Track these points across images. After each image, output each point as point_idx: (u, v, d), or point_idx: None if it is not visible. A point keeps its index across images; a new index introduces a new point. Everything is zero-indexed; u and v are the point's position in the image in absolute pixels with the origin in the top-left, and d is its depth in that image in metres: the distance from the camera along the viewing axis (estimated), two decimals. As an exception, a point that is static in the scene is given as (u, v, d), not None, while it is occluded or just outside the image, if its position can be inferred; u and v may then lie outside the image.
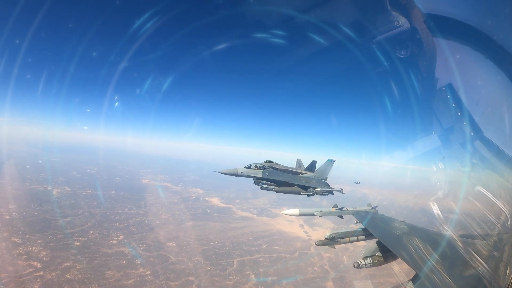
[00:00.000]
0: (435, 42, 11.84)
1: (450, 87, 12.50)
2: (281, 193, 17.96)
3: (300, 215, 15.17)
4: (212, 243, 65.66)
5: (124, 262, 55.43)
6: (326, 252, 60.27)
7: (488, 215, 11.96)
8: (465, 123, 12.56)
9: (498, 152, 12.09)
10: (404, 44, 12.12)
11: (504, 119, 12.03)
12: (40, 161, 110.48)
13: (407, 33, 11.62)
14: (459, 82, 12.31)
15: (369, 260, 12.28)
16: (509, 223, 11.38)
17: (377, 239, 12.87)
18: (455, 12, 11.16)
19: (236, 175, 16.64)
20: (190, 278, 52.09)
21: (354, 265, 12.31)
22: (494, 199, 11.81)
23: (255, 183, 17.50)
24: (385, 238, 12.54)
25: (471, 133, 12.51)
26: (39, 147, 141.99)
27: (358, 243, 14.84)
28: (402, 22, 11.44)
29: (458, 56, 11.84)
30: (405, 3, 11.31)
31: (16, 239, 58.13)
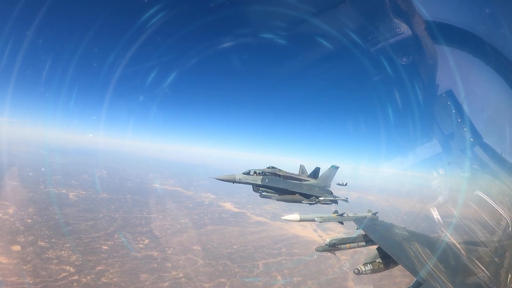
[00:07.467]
0: (436, 49, 11.82)
1: (451, 94, 12.54)
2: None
3: (301, 220, 14.45)
4: (235, 246, 67.45)
5: (155, 265, 56.04)
6: (343, 255, 63.84)
7: (489, 221, 12.12)
8: (465, 129, 12.52)
9: (499, 158, 12.10)
10: (405, 51, 12.04)
11: (504, 125, 12.09)
12: (42, 167, 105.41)
13: (409, 40, 11.48)
14: (460, 89, 12.27)
15: (369, 267, 11.98)
16: (510, 229, 11.52)
17: (377, 245, 12.60)
18: (455, 19, 11.24)
19: (234, 181, 15.43)
20: (221, 280, 53.75)
21: (354, 272, 12.06)
22: (494, 205, 11.90)
23: (254, 190, 16.37)
24: (386, 245, 12.20)
25: (471, 139, 12.47)
26: (44, 149, 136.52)
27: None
28: (403, 29, 11.32)
29: (458, 63, 11.82)
30: (406, 10, 11.24)
31: (43, 243, 57.14)
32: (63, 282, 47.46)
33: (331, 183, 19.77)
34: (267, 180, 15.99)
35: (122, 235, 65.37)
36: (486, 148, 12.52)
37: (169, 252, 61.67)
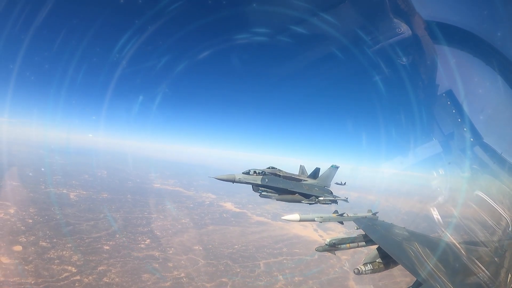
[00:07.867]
0: (436, 49, 11.91)
1: (451, 94, 12.59)
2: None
3: (301, 220, 14.54)
4: (236, 246, 67.77)
5: (157, 265, 56.31)
6: (343, 254, 64.00)
7: (489, 221, 12.08)
8: (465, 129, 12.57)
9: (499, 158, 12.15)
10: (405, 51, 12.09)
11: (504, 125, 12.31)
12: (42, 167, 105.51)
13: (409, 40, 11.59)
14: (459, 89, 12.35)
15: (369, 267, 12.02)
16: (510, 229, 11.50)
17: (377, 245, 12.63)
18: (455, 19, 11.33)
19: (234, 181, 15.51)
20: (223, 279, 54.07)
21: (354, 271, 12.11)
22: (494, 205, 11.89)
23: (253, 190, 16.46)
24: (385, 245, 12.25)
25: (471, 139, 12.53)
26: (44, 149, 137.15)
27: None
28: (403, 29, 11.44)
29: (458, 63, 11.87)
30: (406, 10, 11.34)
31: (44, 243, 57.49)
32: (65, 282, 47.77)
33: (331, 183, 19.84)
34: (267, 180, 16.10)
35: (123, 235, 65.76)
36: (486, 148, 12.56)
37: (171, 252, 62.00)
